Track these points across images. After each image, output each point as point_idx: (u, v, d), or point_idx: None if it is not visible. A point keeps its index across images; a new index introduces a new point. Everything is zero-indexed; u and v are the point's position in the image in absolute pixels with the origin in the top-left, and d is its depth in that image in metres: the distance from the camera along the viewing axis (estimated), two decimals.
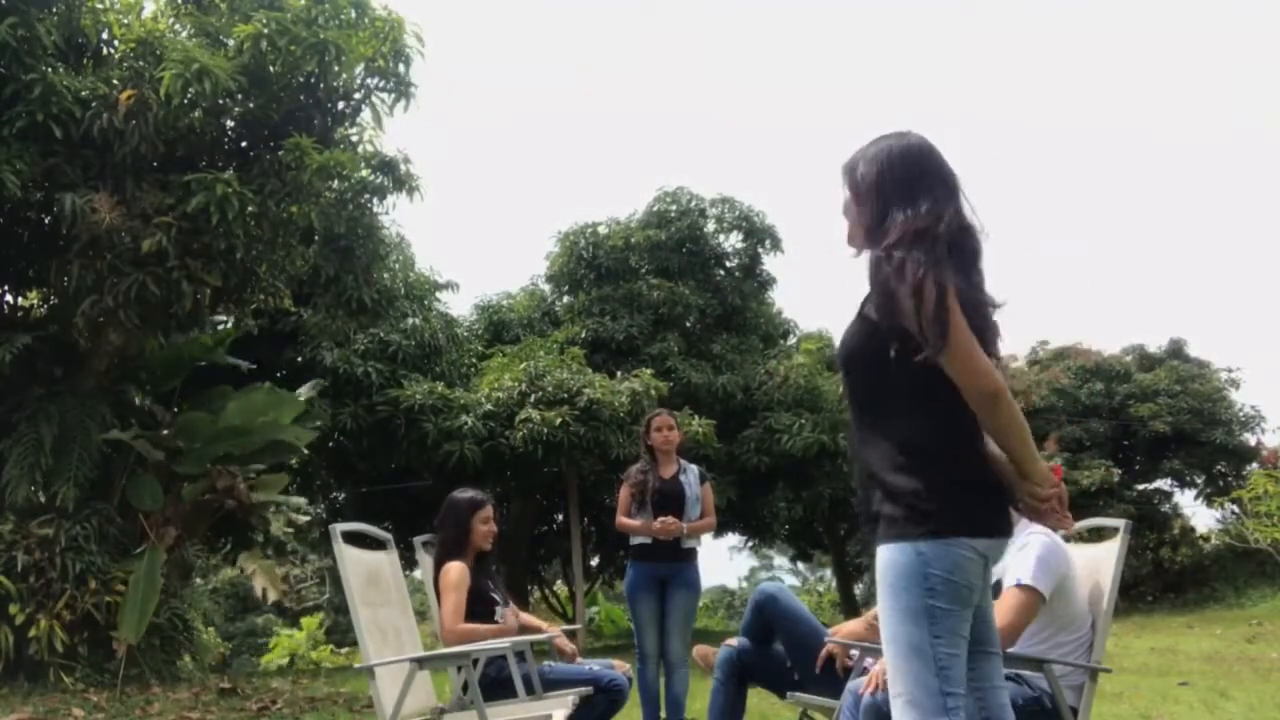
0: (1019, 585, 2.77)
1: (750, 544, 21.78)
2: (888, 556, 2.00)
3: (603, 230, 15.89)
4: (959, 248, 2.01)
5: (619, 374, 12.83)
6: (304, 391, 8.84)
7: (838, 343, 2.19)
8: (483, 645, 3.59)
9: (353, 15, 7.78)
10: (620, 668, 4.02)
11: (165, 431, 8.13)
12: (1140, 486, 16.65)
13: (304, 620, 18.33)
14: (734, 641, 3.96)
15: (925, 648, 1.93)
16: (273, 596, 19.22)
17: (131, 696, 6.66)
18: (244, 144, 8.02)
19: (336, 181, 8.00)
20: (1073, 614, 2.94)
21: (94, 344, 7.82)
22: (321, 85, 7.73)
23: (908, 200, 2.03)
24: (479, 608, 3.96)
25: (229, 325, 8.76)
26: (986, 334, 2.02)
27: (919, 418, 2.01)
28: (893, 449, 2.03)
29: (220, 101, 7.39)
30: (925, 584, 1.94)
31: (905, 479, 2.00)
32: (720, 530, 16.35)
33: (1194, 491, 16.77)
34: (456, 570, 3.91)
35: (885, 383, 2.04)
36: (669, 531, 4.95)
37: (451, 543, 4.02)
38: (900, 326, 1.97)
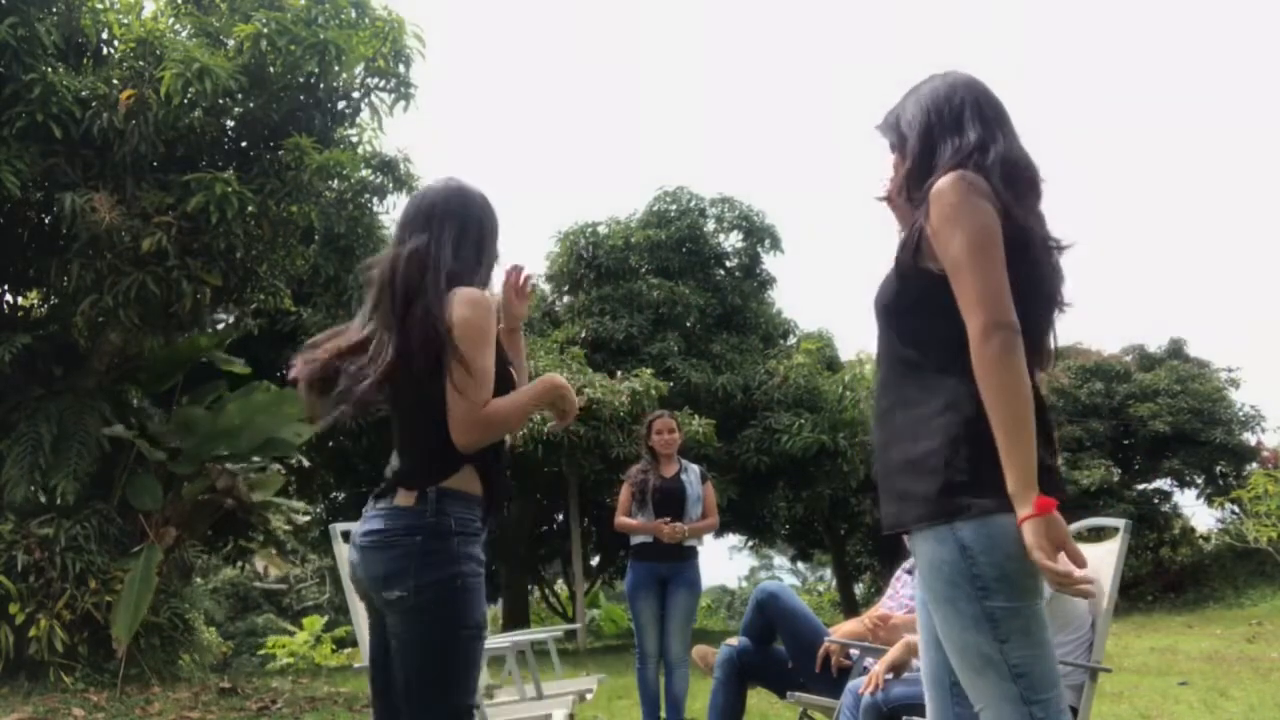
0: None
1: (750, 544, 21.77)
2: (926, 550, 1.74)
3: (603, 230, 15.89)
4: (1013, 176, 1.81)
5: (619, 374, 12.82)
6: None
7: (879, 289, 1.92)
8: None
9: (353, 15, 7.79)
10: None
11: (165, 428, 8.14)
12: (1140, 486, 16.63)
13: (305, 620, 18.32)
14: (734, 641, 3.96)
15: (994, 656, 1.68)
16: (275, 572, 19.21)
17: (131, 696, 6.66)
18: (244, 144, 8.02)
19: (336, 181, 8.03)
20: (1072, 614, 2.95)
21: (94, 344, 7.82)
22: (321, 85, 7.73)
23: (956, 131, 1.86)
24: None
25: (229, 325, 8.75)
26: (1044, 271, 1.82)
27: (960, 389, 1.72)
28: (929, 412, 1.75)
29: (220, 101, 7.39)
30: (975, 584, 1.67)
31: (932, 445, 1.73)
32: (720, 530, 16.34)
33: (1194, 491, 16.75)
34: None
35: (927, 334, 1.80)
36: (674, 535, 4.96)
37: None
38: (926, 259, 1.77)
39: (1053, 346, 1.93)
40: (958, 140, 1.85)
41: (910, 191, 1.89)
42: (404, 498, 2.05)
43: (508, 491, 2.24)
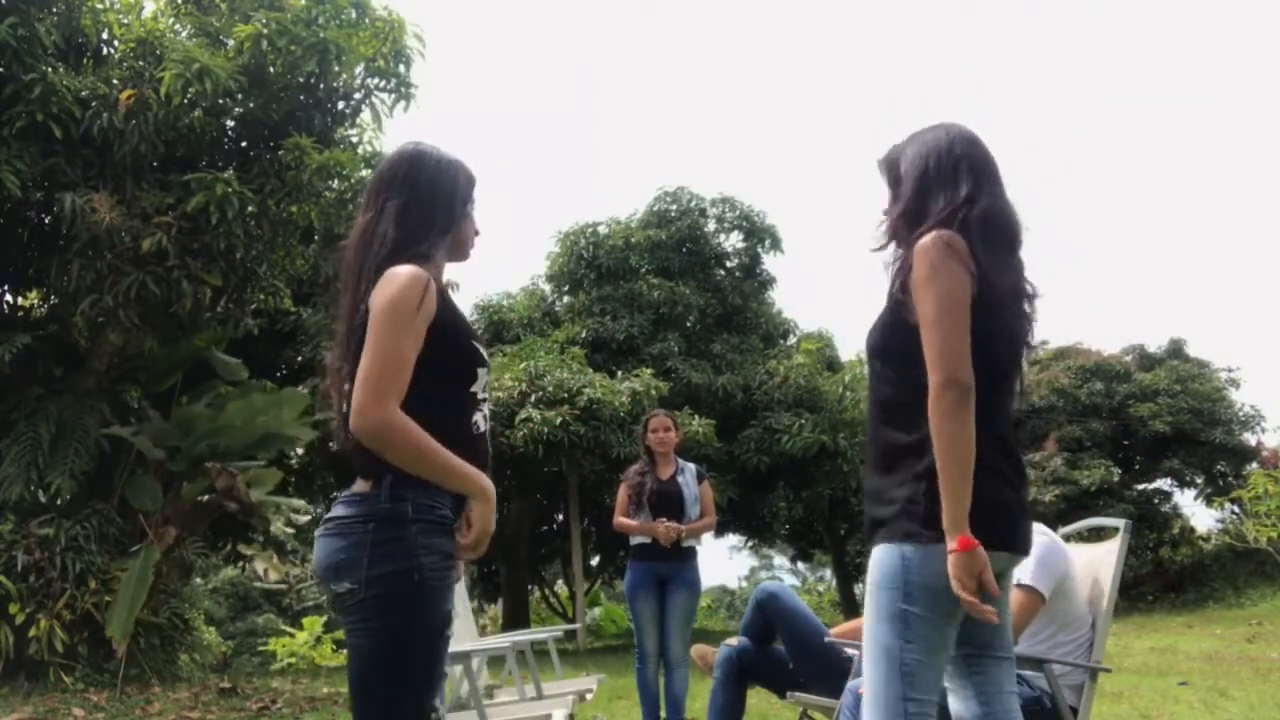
0: (1018, 585, 2.77)
1: (750, 544, 21.78)
2: (877, 557, 2.01)
3: (603, 230, 15.91)
4: (992, 232, 2.00)
5: (619, 374, 12.83)
6: (304, 389, 8.82)
7: (869, 332, 2.14)
8: (483, 644, 3.58)
9: (353, 15, 7.79)
10: None
11: (165, 427, 8.14)
12: (1140, 486, 16.63)
13: (305, 620, 18.33)
14: (734, 641, 3.96)
15: (894, 651, 1.93)
16: (274, 576, 19.23)
17: (131, 696, 6.66)
18: (244, 144, 8.02)
19: (336, 181, 8.01)
20: (1073, 614, 2.95)
21: (94, 343, 7.82)
22: (321, 85, 7.73)
23: (951, 184, 2.03)
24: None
25: (223, 319, 8.71)
26: (1008, 319, 2.01)
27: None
28: (895, 447, 2.00)
29: (220, 101, 7.39)
30: (903, 588, 1.93)
31: (899, 479, 1.98)
32: (720, 530, 16.35)
33: (1194, 491, 16.76)
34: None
35: (904, 379, 2.00)
36: (670, 536, 4.95)
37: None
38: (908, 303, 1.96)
39: (1020, 382, 2.15)
40: (951, 193, 2.02)
41: (901, 233, 2.08)
42: (361, 484, 1.89)
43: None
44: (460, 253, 2.12)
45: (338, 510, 1.89)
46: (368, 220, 2.01)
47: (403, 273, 1.87)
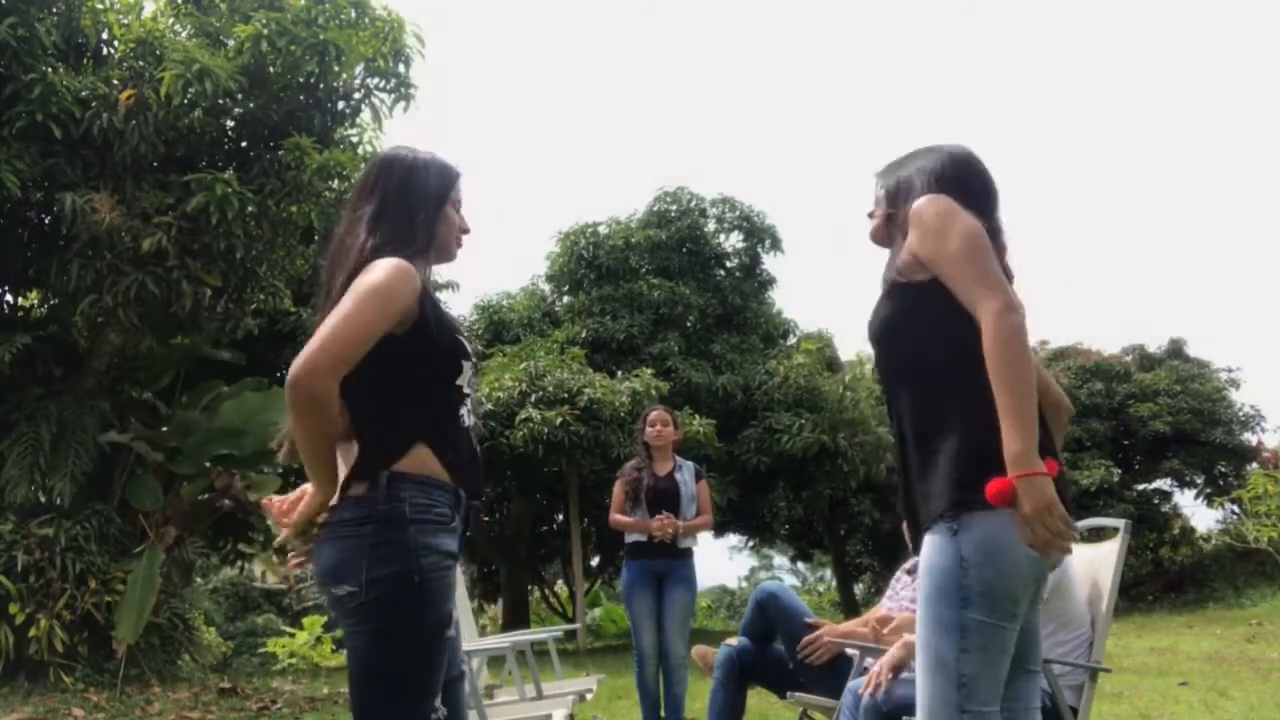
0: None
1: (750, 544, 21.75)
2: (929, 555, 1.88)
3: (603, 230, 15.90)
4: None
5: (619, 374, 12.82)
6: None
7: (869, 320, 2.05)
8: (483, 644, 3.59)
9: (353, 15, 7.78)
10: None
11: (164, 429, 8.14)
12: (1140, 486, 16.63)
13: (305, 620, 18.32)
14: (734, 641, 3.96)
15: (949, 661, 1.83)
16: (272, 579, 19.25)
17: (131, 696, 6.67)
18: (244, 144, 8.02)
19: (336, 181, 8.00)
20: (1072, 613, 2.95)
21: (94, 344, 7.83)
22: (321, 85, 7.73)
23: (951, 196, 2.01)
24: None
25: (223, 319, 8.71)
26: None
27: (969, 392, 1.82)
28: (946, 429, 1.87)
29: (220, 101, 7.39)
30: (959, 593, 1.82)
31: (959, 462, 1.84)
32: (720, 530, 16.34)
33: (1194, 491, 16.76)
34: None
35: (928, 349, 1.91)
36: (666, 530, 4.94)
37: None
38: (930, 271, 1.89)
39: None
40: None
41: (892, 232, 2.07)
42: (358, 487, 1.88)
43: (476, 475, 2.00)
44: (444, 253, 2.08)
45: (335, 515, 1.89)
46: (343, 228, 2.00)
47: (387, 261, 1.87)
